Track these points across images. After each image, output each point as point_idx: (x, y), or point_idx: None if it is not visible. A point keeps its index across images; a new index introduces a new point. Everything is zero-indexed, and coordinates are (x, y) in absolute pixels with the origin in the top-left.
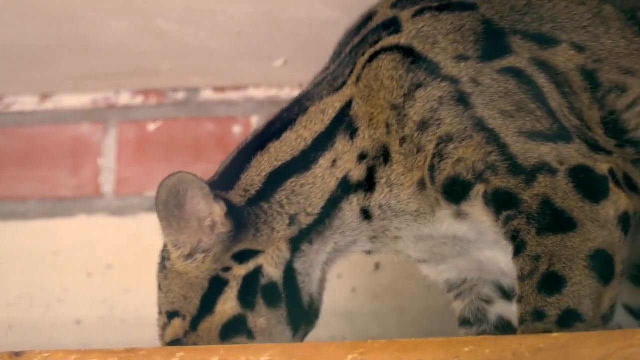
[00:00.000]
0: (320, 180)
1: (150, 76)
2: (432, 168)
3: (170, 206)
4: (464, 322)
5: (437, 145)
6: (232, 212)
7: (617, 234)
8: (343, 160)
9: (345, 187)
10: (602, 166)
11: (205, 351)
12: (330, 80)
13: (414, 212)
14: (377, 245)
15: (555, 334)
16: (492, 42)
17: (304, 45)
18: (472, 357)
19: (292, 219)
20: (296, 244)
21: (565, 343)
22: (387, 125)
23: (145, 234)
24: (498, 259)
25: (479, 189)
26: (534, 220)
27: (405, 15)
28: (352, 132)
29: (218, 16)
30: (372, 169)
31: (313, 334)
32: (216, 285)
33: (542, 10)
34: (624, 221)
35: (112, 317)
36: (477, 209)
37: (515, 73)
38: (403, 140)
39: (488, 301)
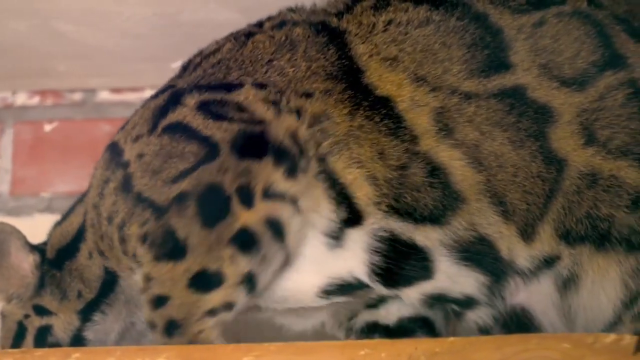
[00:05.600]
0: (87, 267)
1: (47, 77)
2: (125, 254)
3: None
4: None
5: (118, 232)
6: (43, 265)
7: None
8: (95, 254)
9: (111, 272)
10: (238, 180)
11: (101, 352)
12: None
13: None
14: None
15: (451, 338)
16: (162, 112)
17: (201, 47)
18: None
19: (79, 293)
20: (86, 314)
21: (461, 347)
22: (92, 225)
23: (41, 234)
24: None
25: (144, 231)
26: (152, 246)
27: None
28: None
29: (116, 18)
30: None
31: None
32: (21, 330)
33: (231, 62)
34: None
35: None
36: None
37: (173, 127)
38: (101, 238)
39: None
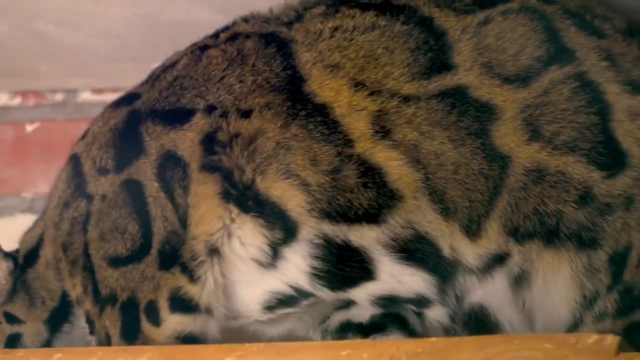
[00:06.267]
0: (45, 276)
1: (28, 77)
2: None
3: None
4: None
5: (70, 270)
6: (15, 272)
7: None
8: (52, 267)
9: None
10: (149, 295)
11: (83, 353)
12: None
13: None
14: None
15: (433, 339)
16: (125, 146)
17: (182, 47)
18: None
19: (43, 300)
20: (55, 325)
21: (443, 347)
22: (52, 241)
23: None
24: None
25: (85, 309)
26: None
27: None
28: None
29: (97, 18)
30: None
31: None
32: None
33: (185, 80)
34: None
35: None
36: (82, 320)
37: (132, 186)
38: (60, 260)
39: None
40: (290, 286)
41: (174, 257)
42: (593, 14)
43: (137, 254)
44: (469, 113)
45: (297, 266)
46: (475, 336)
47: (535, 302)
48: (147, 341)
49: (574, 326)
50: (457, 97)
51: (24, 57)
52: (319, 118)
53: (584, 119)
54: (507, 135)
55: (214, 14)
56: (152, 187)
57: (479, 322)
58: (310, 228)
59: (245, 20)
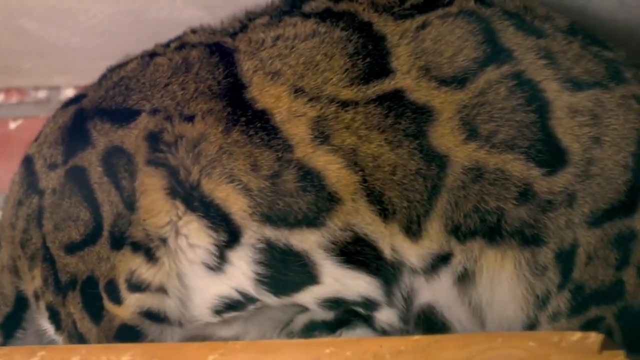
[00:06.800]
0: (1, 280)
1: (12, 74)
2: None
3: None
4: None
5: (29, 265)
6: None
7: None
8: (7, 269)
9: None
10: (107, 274)
11: (66, 350)
12: None
13: None
14: None
15: (417, 336)
16: (73, 141)
17: None
18: (333, 359)
19: None
20: (8, 330)
21: (427, 345)
22: (8, 243)
23: None
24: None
25: (46, 301)
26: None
27: None
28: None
29: (81, 15)
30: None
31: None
32: None
33: (132, 82)
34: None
35: None
36: (43, 320)
37: (78, 173)
38: (18, 258)
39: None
40: (237, 291)
41: (122, 238)
42: (533, 14)
43: (91, 237)
44: (406, 115)
45: (242, 272)
46: (459, 334)
47: (482, 300)
48: (112, 319)
49: (530, 327)
50: (394, 101)
51: (7, 54)
52: (259, 124)
53: (523, 117)
54: (444, 135)
55: (197, 11)
56: (96, 173)
57: (428, 322)
58: (253, 232)
59: (193, 31)
